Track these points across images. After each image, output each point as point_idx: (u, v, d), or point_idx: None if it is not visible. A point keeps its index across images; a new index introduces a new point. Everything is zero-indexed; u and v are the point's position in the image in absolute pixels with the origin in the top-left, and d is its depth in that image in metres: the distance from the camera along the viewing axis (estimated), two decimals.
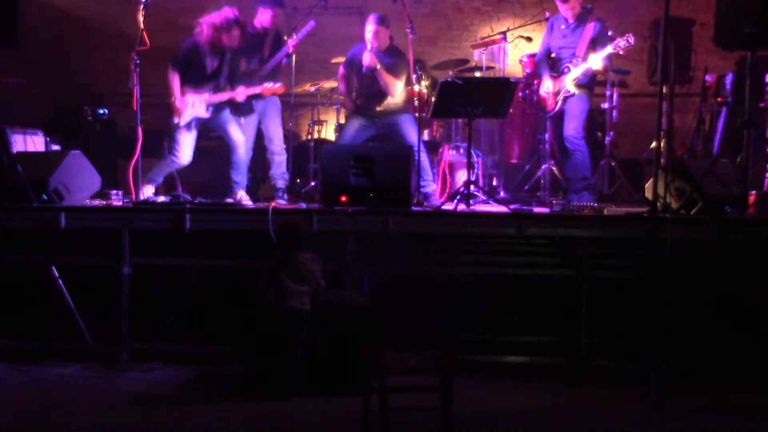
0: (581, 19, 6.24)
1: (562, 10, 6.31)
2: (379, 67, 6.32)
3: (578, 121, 6.22)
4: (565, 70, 6.17)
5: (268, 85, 6.42)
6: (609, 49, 5.93)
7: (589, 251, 4.97)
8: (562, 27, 6.35)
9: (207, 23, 6.18)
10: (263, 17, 6.65)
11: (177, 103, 6.23)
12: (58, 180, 5.52)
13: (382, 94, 6.44)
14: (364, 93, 6.51)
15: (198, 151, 6.58)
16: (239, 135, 6.44)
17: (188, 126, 6.31)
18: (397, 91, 6.41)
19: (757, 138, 5.65)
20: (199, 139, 6.65)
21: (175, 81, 6.24)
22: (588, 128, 6.44)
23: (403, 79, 6.40)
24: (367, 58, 6.35)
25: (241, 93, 6.33)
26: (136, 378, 4.93)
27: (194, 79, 6.27)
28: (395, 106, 6.48)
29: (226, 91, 6.34)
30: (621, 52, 5.93)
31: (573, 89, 6.13)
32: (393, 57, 6.45)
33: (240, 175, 6.45)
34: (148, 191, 6.32)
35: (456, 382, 3.71)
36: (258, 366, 4.59)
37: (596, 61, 6.02)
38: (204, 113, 6.33)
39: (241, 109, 6.57)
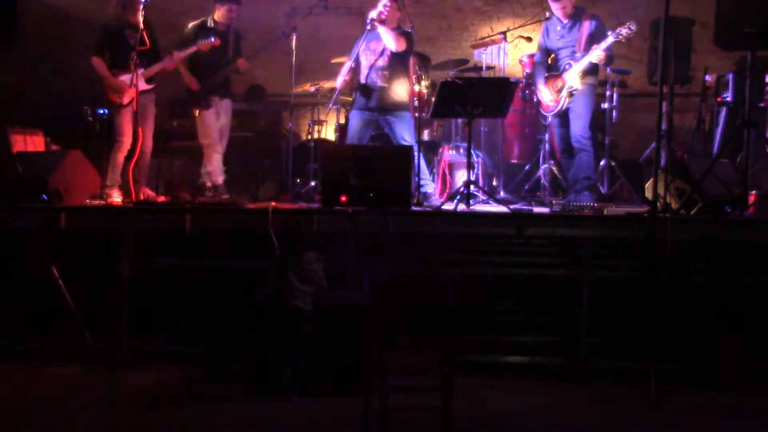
0: (576, 18, 6.26)
1: (554, 9, 6.33)
2: (382, 20, 6.24)
3: (585, 120, 6.22)
4: (567, 66, 6.17)
5: (202, 41, 6.44)
6: (611, 39, 5.91)
7: (589, 251, 4.97)
8: (558, 28, 6.37)
9: (118, 2, 6.34)
10: (219, 13, 6.64)
11: (114, 82, 6.27)
12: (58, 180, 5.53)
13: (387, 73, 6.37)
14: (369, 73, 6.41)
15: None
16: (150, 141, 6.52)
17: (129, 105, 6.28)
18: (396, 46, 6.24)
19: (757, 138, 5.65)
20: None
21: (101, 64, 6.32)
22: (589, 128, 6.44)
23: (404, 44, 6.28)
24: (373, 13, 6.27)
25: (170, 60, 6.39)
26: (136, 378, 4.93)
27: (122, 59, 6.28)
28: (397, 102, 6.41)
29: (158, 62, 6.40)
30: (623, 40, 5.91)
31: (577, 84, 6.12)
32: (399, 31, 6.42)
33: (143, 175, 6.52)
34: (116, 197, 6.28)
35: (456, 382, 3.71)
36: (259, 366, 4.59)
37: (598, 53, 6.00)
38: (145, 86, 6.36)
39: (199, 103, 6.60)
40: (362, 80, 6.45)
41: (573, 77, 6.12)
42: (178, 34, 6.71)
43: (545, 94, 6.36)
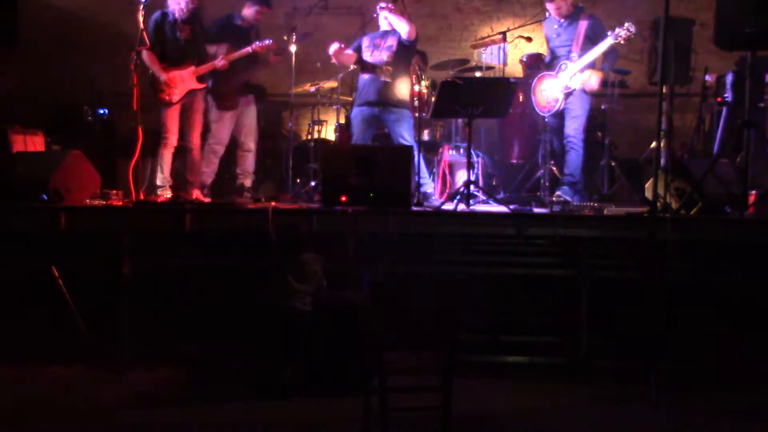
0: (573, 17, 6.26)
1: (549, 8, 6.35)
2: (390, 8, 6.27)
3: (580, 120, 6.22)
4: (563, 67, 6.17)
5: (258, 43, 6.39)
6: (610, 41, 5.88)
7: (589, 251, 4.97)
8: (555, 26, 6.40)
9: None
10: (248, 12, 6.62)
11: (163, 78, 6.18)
12: (58, 180, 5.52)
13: (391, 68, 6.36)
14: (373, 68, 6.40)
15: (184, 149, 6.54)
16: (198, 138, 6.45)
17: (178, 103, 6.25)
18: (409, 30, 6.25)
19: (757, 138, 5.65)
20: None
21: (151, 57, 6.17)
22: (588, 128, 6.44)
23: (414, 32, 6.29)
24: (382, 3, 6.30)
25: (221, 60, 6.33)
26: (136, 378, 4.93)
27: (169, 53, 6.24)
28: (399, 99, 6.40)
29: (209, 61, 6.34)
30: (622, 42, 5.90)
31: (572, 85, 6.12)
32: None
33: (194, 175, 6.47)
34: (167, 194, 6.31)
35: (456, 382, 3.71)
36: (258, 366, 4.59)
37: (593, 77, 6.03)
38: (197, 85, 6.32)
39: (226, 104, 6.55)
40: (365, 75, 6.45)
41: (568, 79, 6.11)
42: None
43: (539, 94, 6.39)
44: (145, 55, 6.13)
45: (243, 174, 6.81)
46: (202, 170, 6.57)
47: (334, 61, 6.54)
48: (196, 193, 6.40)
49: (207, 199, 6.38)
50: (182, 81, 6.26)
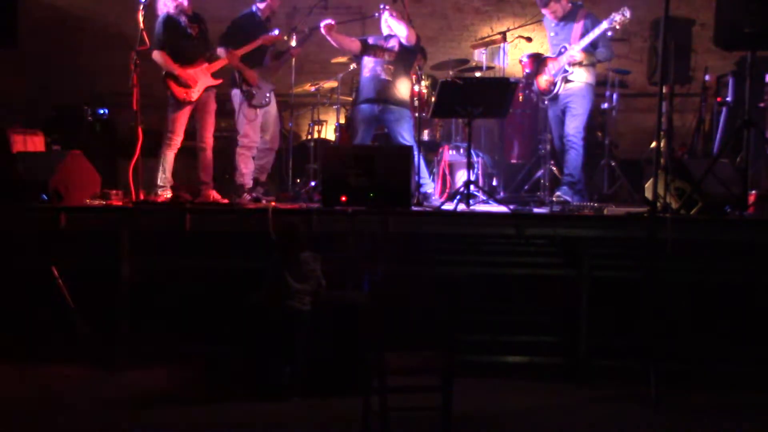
0: (570, 16, 6.27)
1: (545, 13, 6.38)
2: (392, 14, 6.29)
3: (580, 120, 6.23)
4: (562, 49, 6.21)
5: (269, 35, 6.36)
6: (605, 25, 5.91)
7: (589, 251, 4.97)
8: (553, 26, 6.44)
9: None
10: (261, 4, 6.56)
11: (185, 75, 6.13)
12: (58, 180, 5.52)
13: (392, 67, 6.39)
14: (374, 66, 6.42)
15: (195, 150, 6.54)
16: (211, 138, 6.41)
17: (188, 104, 6.21)
18: (408, 35, 6.28)
19: (757, 138, 5.65)
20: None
21: (165, 57, 6.12)
22: (588, 128, 6.45)
23: (414, 36, 6.32)
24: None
25: (231, 56, 6.28)
26: (136, 378, 4.92)
27: (183, 51, 6.20)
28: (399, 98, 6.41)
29: (220, 57, 6.31)
30: (618, 27, 5.91)
31: (569, 68, 6.14)
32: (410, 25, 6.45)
33: (209, 176, 6.43)
34: (167, 194, 6.30)
35: (456, 382, 3.71)
36: (258, 366, 4.59)
37: (581, 53, 6.09)
38: (212, 81, 6.28)
39: (261, 101, 6.47)
40: (366, 74, 6.46)
41: (565, 61, 6.13)
42: (224, 28, 6.57)
43: (540, 77, 6.47)
44: (158, 55, 6.11)
45: (258, 170, 6.66)
46: (242, 172, 6.49)
47: (331, 41, 6.47)
48: (213, 194, 6.37)
49: (225, 200, 6.35)
50: (199, 79, 6.24)
